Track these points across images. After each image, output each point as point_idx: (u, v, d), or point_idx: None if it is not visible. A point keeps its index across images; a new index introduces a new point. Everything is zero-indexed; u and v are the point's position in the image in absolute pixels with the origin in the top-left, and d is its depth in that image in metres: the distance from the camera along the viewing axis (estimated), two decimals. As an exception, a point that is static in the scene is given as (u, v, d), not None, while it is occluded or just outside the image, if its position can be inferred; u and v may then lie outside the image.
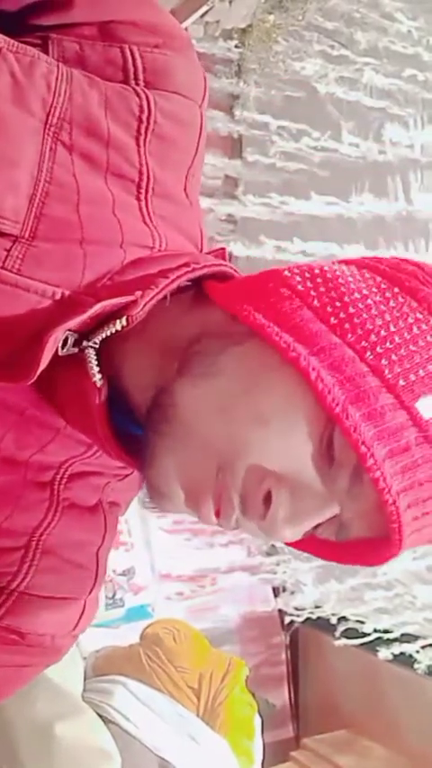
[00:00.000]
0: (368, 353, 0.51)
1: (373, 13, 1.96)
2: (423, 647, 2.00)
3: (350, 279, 0.55)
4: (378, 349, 0.51)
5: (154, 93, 0.62)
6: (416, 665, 2.00)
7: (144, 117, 0.61)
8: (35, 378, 0.54)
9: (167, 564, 2.43)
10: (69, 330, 0.55)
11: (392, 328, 0.52)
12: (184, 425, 0.53)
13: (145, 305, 0.55)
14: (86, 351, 0.55)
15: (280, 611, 2.51)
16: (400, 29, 1.90)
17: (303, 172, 2.13)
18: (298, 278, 0.56)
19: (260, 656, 2.59)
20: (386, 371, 0.50)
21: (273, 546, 2.54)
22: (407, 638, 2.01)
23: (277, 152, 2.10)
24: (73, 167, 0.58)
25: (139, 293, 0.55)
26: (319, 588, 2.26)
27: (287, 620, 2.42)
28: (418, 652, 1.99)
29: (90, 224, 0.58)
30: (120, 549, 2.19)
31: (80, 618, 0.64)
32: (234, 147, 2.53)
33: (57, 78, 0.58)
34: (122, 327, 0.55)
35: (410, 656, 1.99)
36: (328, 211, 1.88)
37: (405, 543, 0.51)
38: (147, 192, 0.62)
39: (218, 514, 0.53)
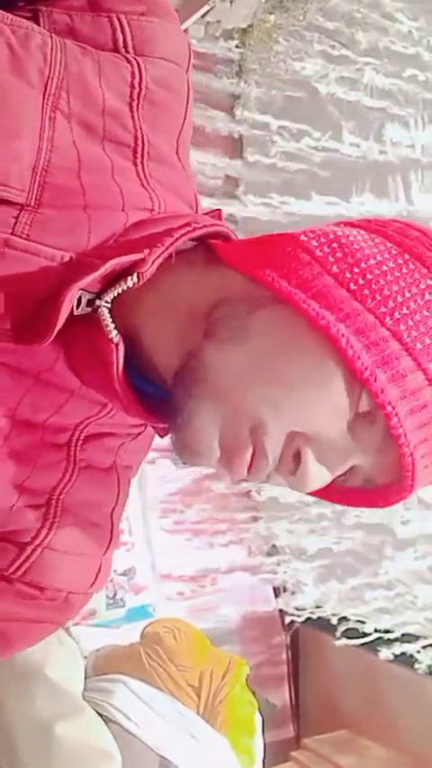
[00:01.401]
0: (387, 319, 0.54)
1: (374, 14, 1.96)
2: (424, 648, 2.00)
3: (364, 245, 0.57)
4: (396, 314, 0.54)
5: (143, 59, 0.64)
6: (416, 665, 2.00)
7: (136, 83, 0.63)
8: (52, 338, 0.56)
9: (168, 564, 2.43)
10: (82, 290, 0.57)
11: (407, 294, 0.55)
12: (218, 389, 0.55)
13: (153, 262, 0.57)
14: (100, 309, 0.57)
15: (280, 611, 2.51)
16: (401, 29, 1.90)
17: (304, 172, 2.14)
18: (314, 242, 0.58)
19: (261, 655, 2.59)
20: (405, 336, 0.54)
21: (273, 546, 2.54)
22: (407, 638, 2.01)
23: (278, 152, 2.10)
24: (72, 135, 0.60)
25: (146, 251, 0.57)
26: (319, 588, 2.26)
27: (288, 620, 2.42)
28: (418, 652, 1.99)
29: (92, 190, 0.60)
30: (120, 549, 2.19)
31: (96, 577, 0.65)
32: (235, 147, 2.53)
33: (51, 49, 0.61)
34: (133, 284, 0.57)
35: (411, 656, 1.99)
36: (328, 211, 1.89)
37: (416, 487, 0.56)
38: (142, 156, 0.64)
39: (249, 469, 0.56)
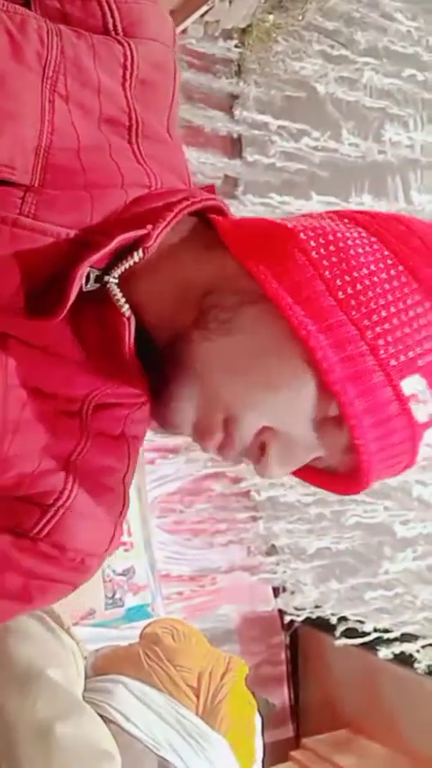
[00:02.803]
0: (369, 332, 0.57)
1: (373, 13, 1.96)
2: (423, 647, 2.00)
3: (360, 250, 0.59)
4: (378, 329, 0.57)
5: (133, 41, 0.67)
6: (416, 665, 2.00)
7: (128, 64, 0.66)
8: (64, 313, 0.58)
9: (167, 564, 2.43)
10: (91, 267, 0.59)
11: (392, 309, 0.57)
12: (200, 377, 0.59)
13: (157, 237, 0.60)
14: (109, 285, 0.60)
15: (280, 610, 2.51)
16: (400, 29, 1.89)
17: (303, 172, 2.14)
18: (312, 243, 0.59)
19: (260, 655, 2.59)
20: (381, 352, 0.57)
21: (272, 546, 2.54)
22: (407, 637, 2.01)
23: (277, 152, 2.10)
24: (71, 117, 0.63)
25: (149, 226, 0.60)
26: (319, 588, 2.26)
27: (287, 619, 2.42)
28: (418, 652, 1.99)
29: (91, 169, 0.63)
30: (119, 549, 2.19)
31: (111, 540, 0.69)
32: (234, 146, 2.53)
33: (47, 33, 0.63)
34: (139, 259, 0.60)
35: (410, 655, 1.99)
36: (327, 211, 1.88)
37: (370, 484, 0.62)
38: (137, 135, 0.67)
39: (219, 451, 0.61)
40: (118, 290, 0.60)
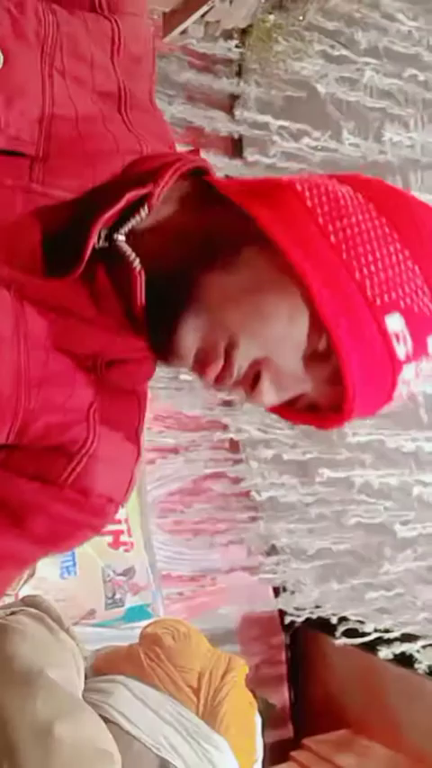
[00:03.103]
0: (357, 273, 0.63)
1: (374, 14, 1.96)
2: (423, 647, 2.00)
3: (348, 202, 0.66)
4: (365, 271, 0.64)
5: (117, 16, 0.73)
6: (416, 665, 2.00)
7: (115, 38, 0.72)
8: (81, 269, 0.63)
9: (167, 564, 2.43)
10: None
11: (377, 254, 0.64)
12: (207, 306, 0.64)
13: (159, 193, 0.65)
14: (118, 242, 0.65)
15: (280, 611, 2.52)
16: (401, 29, 1.90)
17: (304, 172, 2.13)
18: (307, 193, 0.66)
19: (260, 656, 2.59)
20: (368, 291, 0.63)
21: (273, 546, 2.54)
22: (407, 637, 2.01)
23: (277, 152, 2.10)
24: (68, 90, 0.69)
25: (151, 185, 0.65)
26: (319, 588, 2.26)
27: (287, 620, 2.42)
28: (418, 652, 1.99)
29: (89, 138, 0.68)
30: (120, 549, 2.19)
31: (128, 486, 0.73)
32: (234, 147, 2.53)
33: (44, 12, 0.69)
34: (145, 215, 0.65)
35: (411, 655, 1.99)
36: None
37: (351, 418, 0.67)
38: (126, 105, 0.72)
39: (217, 380, 0.66)
40: (127, 246, 0.65)
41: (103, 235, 0.65)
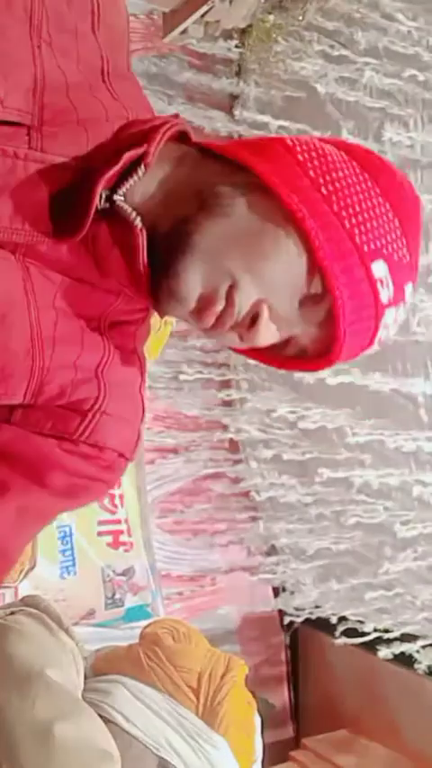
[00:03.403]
0: (346, 222, 0.69)
1: (373, 14, 1.95)
2: (423, 647, 2.00)
3: (335, 158, 0.72)
4: (353, 220, 0.69)
5: None
6: (416, 665, 2.00)
7: (95, 9, 0.76)
8: (87, 227, 0.66)
9: (167, 564, 2.43)
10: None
11: (363, 206, 0.70)
12: (209, 249, 0.68)
13: (154, 152, 0.69)
14: (118, 203, 0.68)
15: (280, 611, 2.52)
16: (400, 29, 1.89)
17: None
18: (298, 148, 0.71)
19: (260, 656, 2.59)
20: (357, 238, 0.69)
21: (272, 546, 2.55)
22: (407, 637, 2.01)
23: (277, 152, 2.09)
24: (56, 60, 0.72)
25: (145, 145, 0.68)
26: (318, 588, 2.26)
27: (287, 620, 2.42)
28: (418, 652, 1.99)
29: (80, 106, 0.71)
30: (119, 549, 2.19)
31: (136, 442, 0.77)
32: (234, 147, 2.53)
33: None
34: (143, 174, 0.68)
35: (410, 655, 1.99)
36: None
37: (339, 359, 0.72)
38: (108, 74, 0.76)
39: (216, 323, 0.69)
40: (127, 205, 0.68)
41: (104, 196, 0.68)
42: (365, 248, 0.69)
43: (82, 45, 0.74)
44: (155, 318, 0.81)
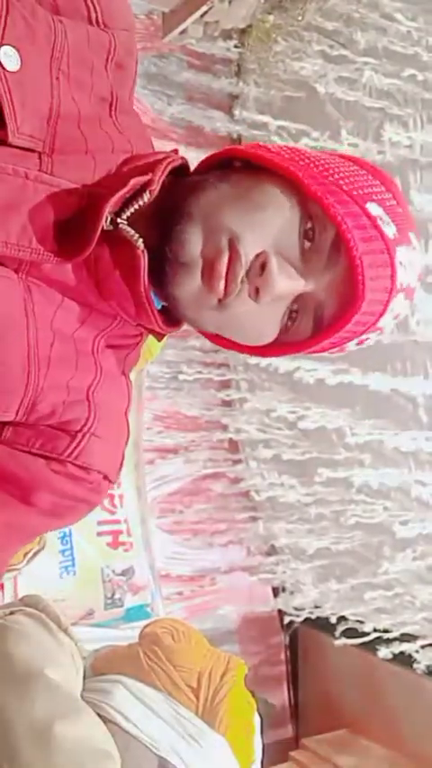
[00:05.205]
0: (330, 177, 0.73)
1: (373, 14, 1.96)
2: (423, 647, 2.00)
3: (305, 149, 0.77)
4: (336, 176, 0.73)
5: (112, 31, 0.80)
6: (415, 665, 2.00)
7: (111, 50, 0.79)
8: (91, 248, 0.69)
9: (167, 564, 2.43)
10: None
11: (341, 173, 0.74)
12: (203, 214, 0.71)
13: (158, 180, 0.72)
14: (122, 226, 0.71)
15: (279, 611, 2.52)
16: (400, 29, 1.89)
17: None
18: (270, 145, 0.77)
19: (260, 656, 2.59)
20: (343, 185, 0.72)
21: (272, 546, 2.55)
22: (406, 637, 2.01)
23: (277, 152, 2.09)
24: (71, 92, 0.75)
25: (150, 174, 0.72)
26: (318, 588, 2.27)
27: (287, 620, 2.42)
28: (417, 652, 1.99)
29: (90, 137, 0.75)
30: (119, 549, 2.20)
31: (120, 464, 0.79)
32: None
33: (53, 20, 0.75)
34: (147, 200, 0.72)
35: (410, 655, 1.99)
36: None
37: (366, 299, 0.72)
38: (116, 109, 0.79)
39: (227, 277, 0.70)
40: (131, 229, 0.71)
41: (108, 219, 0.70)
42: (354, 193, 0.72)
43: (96, 80, 0.77)
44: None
